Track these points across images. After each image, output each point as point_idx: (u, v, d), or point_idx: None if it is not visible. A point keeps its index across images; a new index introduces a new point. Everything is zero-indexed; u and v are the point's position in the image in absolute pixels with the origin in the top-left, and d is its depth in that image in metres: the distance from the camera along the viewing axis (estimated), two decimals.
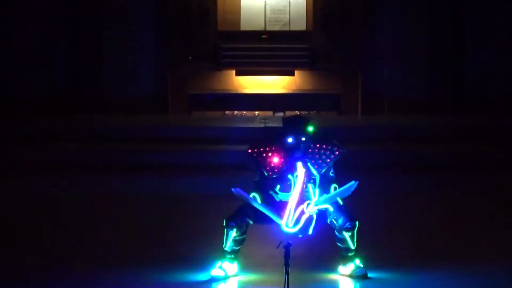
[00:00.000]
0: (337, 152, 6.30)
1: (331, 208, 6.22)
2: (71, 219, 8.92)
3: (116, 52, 15.39)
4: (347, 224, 6.25)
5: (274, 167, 6.23)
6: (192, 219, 8.89)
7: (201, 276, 6.37)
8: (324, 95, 16.03)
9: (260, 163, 6.28)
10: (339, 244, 6.41)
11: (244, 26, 16.77)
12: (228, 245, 6.31)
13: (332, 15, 16.53)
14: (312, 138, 6.26)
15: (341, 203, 6.33)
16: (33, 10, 14.89)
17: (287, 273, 5.50)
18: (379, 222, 8.72)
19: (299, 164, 6.17)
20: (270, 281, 6.26)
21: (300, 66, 16.45)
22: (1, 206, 9.62)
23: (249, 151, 6.35)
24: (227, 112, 16.19)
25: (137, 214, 9.21)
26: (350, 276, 6.37)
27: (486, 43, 15.15)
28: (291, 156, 6.21)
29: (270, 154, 6.25)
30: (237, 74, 16.39)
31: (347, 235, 6.32)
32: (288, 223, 6.13)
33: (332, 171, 6.31)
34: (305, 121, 6.28)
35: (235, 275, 6.38)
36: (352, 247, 6.37)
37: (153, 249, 7.43)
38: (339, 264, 6.46)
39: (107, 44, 15.38)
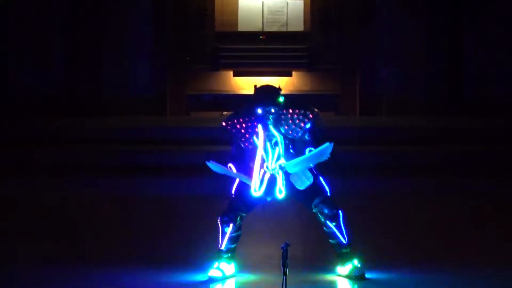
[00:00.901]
0: (311, 116, 6.25)
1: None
2: (69, 220, 8.93)
3: (114, 53, 15.38)
4: (327, 211, 6.25)
5: (249, 138, 6.23)
6: (189, 220, 8.88)
7: (199, 277, 6.37)
8: (322, 96, 16.02)
9: (236, 135, 6.28)
10: (330, 241, 6.40)
11: (242, 27, 16.78)
12: (225, 243, 6.30)
13: (329, 15, 16.54)
14: (284, 105, 6.23)
15: (328, 193, 6.31)
16: (32, 11, 14.89)
17: (284, 274, 5.50)
18: (379, 223, 8.73)
19: (259, 127, 6.16)
20: (268, 282, 6.26)
21: (297, 67, 16.44)
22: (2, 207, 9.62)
23: (224, 124, 6.34)
24: (225, 113, 16.17)
25: (135, 216, 9.22)
26: (348, 276, 6.35)
27: (485, 43, 15.15)
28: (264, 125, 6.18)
29: (244, 126, 6.25)
30: (235, 75, 16.38)
31: (332, 225, 6.30)
32: (255, 187, 6.15)
33: (308, 135, 6.26)
34: (275, 91, 6.26)
35: (233, 276, 6.38)
36: (344, 241, 6.33)
37: (152, 250, 7.43)
38: (337, 264, 6.45)
39: (105, 46, 15.37)
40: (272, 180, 6.20)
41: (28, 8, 14.82)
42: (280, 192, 6.18)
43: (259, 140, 6.18)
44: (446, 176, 11.17)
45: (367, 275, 6.36)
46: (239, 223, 6.31)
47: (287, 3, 16.76)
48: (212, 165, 6.18)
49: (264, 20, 16.85)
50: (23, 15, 14.80)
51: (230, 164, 6.25)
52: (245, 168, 6.23)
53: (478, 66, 15.15)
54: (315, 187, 6.26)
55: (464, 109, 14.93)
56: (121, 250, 7.45)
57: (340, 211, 6.32)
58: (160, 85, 15.87)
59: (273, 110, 6.16)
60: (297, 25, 16.81)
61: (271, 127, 6.18)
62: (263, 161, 6.18)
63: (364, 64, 15.86)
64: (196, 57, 16.44)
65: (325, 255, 6.75)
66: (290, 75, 16.36)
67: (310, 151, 6.16)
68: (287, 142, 6.22)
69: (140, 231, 8.34)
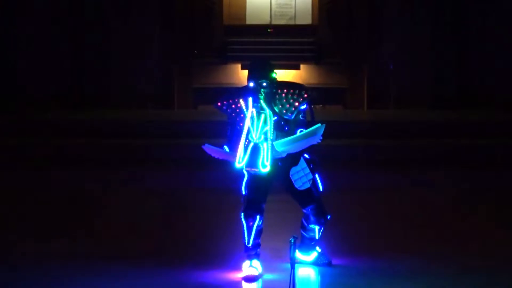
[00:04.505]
0: (305, 95, 6.21)
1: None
2: (81, 213, 8.96)
3: (122, 48, 15.42)
4: (317, 217, 6.32)
5: (243, 118, 6.20)
6: (199, 213, 8.91)
7: (232, 276, 6.31)
8: (329, 89, 16.03)
9: (230, 114, 6.28)
10: (304, 234, 6.50)
11: (250, 20, 16.80)
12: (252, 239, 6.24)
13: (337, 9, 16.53)
14: (278, 84, 6.21)
15: (321, 189, 6.32)
16: (42, 11, 14.93)
17: (292, 266, 5.53)
18: (380, 215, 8.77)
19: (249, 99, 6.15)
20: (276, 275, 6.30)
21: (305, 60, 16.45)
22: (14, 199, 9.67)
23: (219, 104, 6.33)
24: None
25: (146, 208, 9.24)
26: (314, 263, 6.52)
27: (491, 39, 15.15)
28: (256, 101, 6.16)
29: (239, 105, 6.23)
30: (243, 68, 16.40)
31: (316, 227, 6.42)
32: (239, 159, 6.15)
33: (302, 115, 6.24)
34: (268, 66, 6.23)
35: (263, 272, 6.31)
36: (317, 237, 6.49)
37: (176, 246, 7.38)
38: (297, 250, 6.39)
39: (113, 40, 15.42)
40: (256, 152, 6.12)
41: (38, 8, 14.88)
42: (264, 166, 6.09)
43: (248, 111, 6.16)
44: (452, 169, 11.18)
45: (334, 261, 6.57)
46: (263, 214, 6.27)
47: None
48: (208, 149, 6.18)
49: (272, 13, 16.87)
50: (34, 13, 14.85)
51: (225, 146, 6.27)
52: (236, 149, 6.19)
53: (484, 61, 15.15)
54: (310, 192, 6.28)
55: (471, 102, 14.94)
56: (143, 246, 7.39)
57: (328, 217, 6.39)
58: (168, 78, 15.90)
59: (264, 84, 6.12)
60: (305, 18, 16.82)
61: (261, 101, 6.13)
62: (248, 131, 6.15)
63: (372, 58, 15.87)
64: (204, 50, 16.45)
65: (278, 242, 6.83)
66: (298, 68, 16.37)
67: (301, 131, 6.14)
68: (282, 123, 6.17)
69: (156, 224, 8.36)
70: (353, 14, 16.39)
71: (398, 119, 13.56)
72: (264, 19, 16.83)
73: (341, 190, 9.30)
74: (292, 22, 16.79)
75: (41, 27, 14.91)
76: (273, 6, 16.83)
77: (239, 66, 16.43)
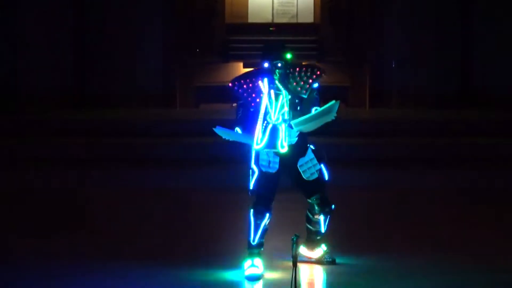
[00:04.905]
0: (318, 73, 6.26)
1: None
2: (81, 213, 8.93)
3: (123, 46, 15.38)
4: (323, 207, 6.30)
5: (255, 98, 6.21)
6: (200, 212, 8.89)
7: (234, 274, 6.29)
8: (331, 88, 15.96)
9: (242, 95, 6.26)
10: (309, 227, 6.49)
11: (252, 18, 16.78)
12: (258, 237, 6.23)
13: (339, 7, 16.51)
14: (292, 65, 6.22)
15: (326, 178, 6.31)
16: (45, 7, 14.90)
17: (294, 265, 5.50)
18: (382, 214, 8.75)
19: (265, 80, 6.15)
20: (277, 273, 6.27)
21: (307, 59, 16.40)
22: (14, 199, 9.64)
23: (230, 85, 6.34)
24: (234, 105, 16.14)
25: (147, 208, 9.22)
26: (319, 261, 6.50)
27: (494, 37, 15.10)
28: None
29: (251, 86, 6.22)
30: (245, 66, 16.37)
31: (322, 218, 6.38)
32: (257, 141, 6.14)
33: (316, 92, 6.26)
34: (283, 47, 6.24)
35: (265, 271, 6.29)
36: (322, 230, 6.46)
37: (177, 246, 7.37)
38: (302, 246, 6.48)
39: (113, 39, 15.38)
40: (275, 133, 6.14)
41: (38, 7, 14.84)
42: (282, 147, 6.12)
43: (264, 92, 6.15)
44: (455, 168, 11.14)
45: (338, 260, 6.56)
46: (271, 212, 6.27)
47: None
48: (219, 131, 6.13)
49: (274, 11, 16.85)
50: (34, 13, 14.81)
51: (237, 128, 6.23)
52: (251, 131, 6.18)
53: (487, 59, 15.10)
54: (317, 182, 6.29)
55: (473, 102, 14.89)
56: (143, 246, 7.37)
57: (332, 206, 6.39)
58: (170, 77, 15.86)
59: (279, 65, 6.14)
60: (307, 17, 16.80)
61: (276, 82, 6.15)
62: (266, 112, 6.15)
63: (374, 56, 15.83)
64: (206, 49, 16.43)
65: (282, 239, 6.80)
66: None
67: (315, 110, 6.13)
68: (296, 101, 6.18)
69: (160, 224, 8.34)
70: (355, 12, 16.37)
71: (400, 118, 13.51)
72: (266, 18, 16.81)
73: (343, 189, 9.25)
74: (294, 21, 16.78)
75: (41, 27, 14.87)
76: (275, 5, 16.81)
77: (241, 64, 16.41)
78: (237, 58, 16.36)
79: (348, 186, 9.79)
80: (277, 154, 6.16)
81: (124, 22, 15.32)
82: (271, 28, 16.67)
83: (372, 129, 12.60)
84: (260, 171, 6.21)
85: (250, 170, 6.26)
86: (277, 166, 6.20)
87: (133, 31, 15.33)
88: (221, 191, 9.67)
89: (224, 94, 15.63)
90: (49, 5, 14.93)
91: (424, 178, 10.78)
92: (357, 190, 9.98)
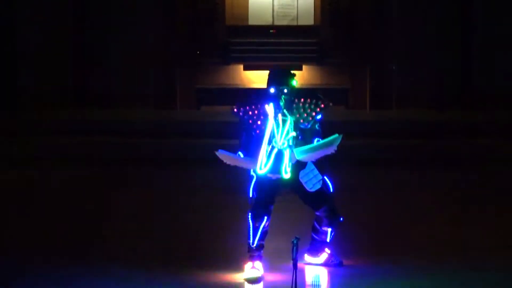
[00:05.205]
0: (322, 106, 6.26)
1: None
2: (81, 213, 8.92)
3: (123, 47, 15.38)
4: (331, 219, 6.33)
5: (260, 125, 6.21)
6: (201, 213, 8.88)
7: (234, 277, 6.28)
8: (332, 90, 15.98)
9: (246, 121, 6.26)
10: (315, 236, 6.49)
11: (252, 20, 16.76)
12: (256, 240, 6.24)
13: (340, 9, 16.50)
14: (297, 93, 6.25)
15: (331, 190, 6.32)
16: (42, 6, 14.90)
17: (294, 267, 5.50)
18: (384, 215, 8.75)
19: (271, 104, 6.16)
20: (278, 275, 6.26)
21: (308, 61, 16.43)
22: (14, 199, 9.64)
23: (235, 110, 6.33)
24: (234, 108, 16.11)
25: (147, 208, 9.21)
26: (324, 264, 6.50)
27: (494, 39, 15.11)
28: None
29: (256, 112, 6.23)
30: (245, 68, 16.38)
31: (328, 229, 6.41)
32: (261, 165, 6.15)
33: (318, 124, 6.29)
34: (289, 73, 6.26)
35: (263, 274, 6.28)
36: (327, 240, 6.48)
37: (172, 246, 7.37)
38: (306, 253, 6.50)
39: (114, 40, 15.38)
40: (279, 158, 6.17)
41: (39, 7, 14.85)
42: (286, 172, 6.14)
43: (269, 116, 6.16)
44: (456, 169, 11.15)
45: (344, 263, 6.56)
46: (270, 215, 6.27)
47: None
48: (221, 155, 6.15)
49: (275, 13, 16.83)
50: (34, 13, 14.82)
51: (239, 152, 6.25)
52: (254, 155, 6.20)
53: (488, 61, 15.10)
54: (322, 193, 6.29)
55: (474, 103, 14.89)
56: (144, 247, 7.34)
57: (340, 219, 6.41)
58: (171, 79, 15.86)
59: (285, 90, 6.17)
60: (308, 19, 16.78)
61: (282, 107, 6.17)
62: (272, 136, 6.17)
63: (374, 58, 15.83)
64: (206, 51, 16.42)
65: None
66: (300, 69, 16.33)
67: (318, 141, 6.20)
68: (297, 132, 6.21)
69: (158, 223, 8.33)
70: (355, 14, 16.37)
71: (401, 119, 13.52)
72: (267, 20, 16.79)
73: (344, 190, 9.24)
74: (294, 23, 16.75)
75: (41, 27, 14.88)
76: (276, 7, 16.79)
77: (242, 66, 16.41)
78: (238, 60, 16.36)
79: (349, 187, 9.78)
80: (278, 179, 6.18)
81: (124, 22, 15.33)
82: (271, 30, 16.66)
83: (372, 130, 12.60)
84: (258, 177, 6.22)
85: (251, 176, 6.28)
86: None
87: (134, 32, 15.34)
88: (221, 192, 9.66)
89: (225, 96, 15.66)
90: (49, 6, 14.95)
91: (424, 178, 10.79)
92: (357, 190, 9.98)
